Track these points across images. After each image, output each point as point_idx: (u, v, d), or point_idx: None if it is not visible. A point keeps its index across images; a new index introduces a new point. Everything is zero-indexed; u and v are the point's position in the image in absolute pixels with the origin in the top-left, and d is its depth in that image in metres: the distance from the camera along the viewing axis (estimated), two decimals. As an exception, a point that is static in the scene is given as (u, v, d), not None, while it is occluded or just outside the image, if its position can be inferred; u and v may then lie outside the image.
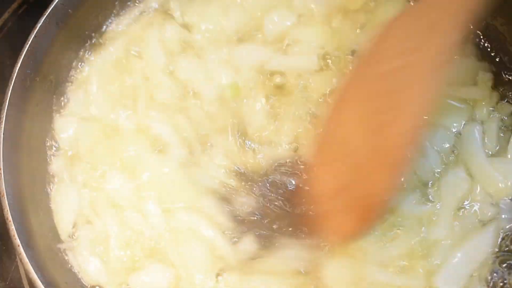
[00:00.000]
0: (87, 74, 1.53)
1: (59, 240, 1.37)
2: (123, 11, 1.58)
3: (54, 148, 1.46)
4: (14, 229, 1.19)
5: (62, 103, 1.49)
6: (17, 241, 1.18)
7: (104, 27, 1.56)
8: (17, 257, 1.21)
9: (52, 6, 1.35)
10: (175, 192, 1.39)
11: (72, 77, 1.51)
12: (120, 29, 1.58)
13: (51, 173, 1.43)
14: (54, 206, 1.40)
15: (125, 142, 1.45)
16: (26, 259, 1.17)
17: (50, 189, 1.42)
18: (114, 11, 1.57)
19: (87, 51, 1.54)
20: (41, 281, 1.16)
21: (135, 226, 1.36)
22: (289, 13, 1.56)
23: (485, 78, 1.47)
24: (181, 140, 1.44)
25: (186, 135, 1.45)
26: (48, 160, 1.44)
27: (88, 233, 1.37)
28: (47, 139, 1.45)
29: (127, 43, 1.56)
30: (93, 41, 1.55)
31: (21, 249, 1.18)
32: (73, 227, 1.38)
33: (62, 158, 1.45)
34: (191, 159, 1.43)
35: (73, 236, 1.38)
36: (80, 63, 1.53)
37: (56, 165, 1.44)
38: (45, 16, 1.34)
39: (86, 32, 1.52)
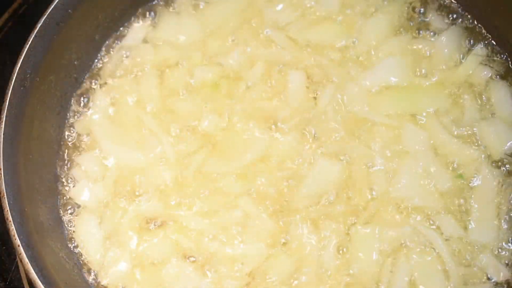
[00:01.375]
0: (88, 75, 1.54)
1: (60, 240, 1.37)
2: (124, 10, 1.58)
3: (54, 148, 1.46)
4: (14, 229, 1.18)
5: (63, 103, 1.49)
6: (17, 241, 1.18)
7: (105, 27, 1.56)
8: (17, 257, 1.20)
9: (52, 6, 1.35)
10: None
11: (73, 77, 1.51)
12: (122, 29, 1.59)
13: (51, 173, 1.44)
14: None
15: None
16: (26, 259, 1.17)
17: (50, 189, 1.42)
18: (115, 12, 1.56)
19: (87, 51, 1.54)
20: (41, 281, 1.16)
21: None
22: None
23: None
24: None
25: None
26: (48, 160, 1.44)
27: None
28: (48, 139, 1.45)
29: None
30: (94, 40, 1.55)
31: (21, 249, 1.18)
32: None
33: (62, 157, 1.46)
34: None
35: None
36: (81, 63, 1.53)
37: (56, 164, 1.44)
38: (45, 16, 1.34)
39: (86, 32, 1.51)
